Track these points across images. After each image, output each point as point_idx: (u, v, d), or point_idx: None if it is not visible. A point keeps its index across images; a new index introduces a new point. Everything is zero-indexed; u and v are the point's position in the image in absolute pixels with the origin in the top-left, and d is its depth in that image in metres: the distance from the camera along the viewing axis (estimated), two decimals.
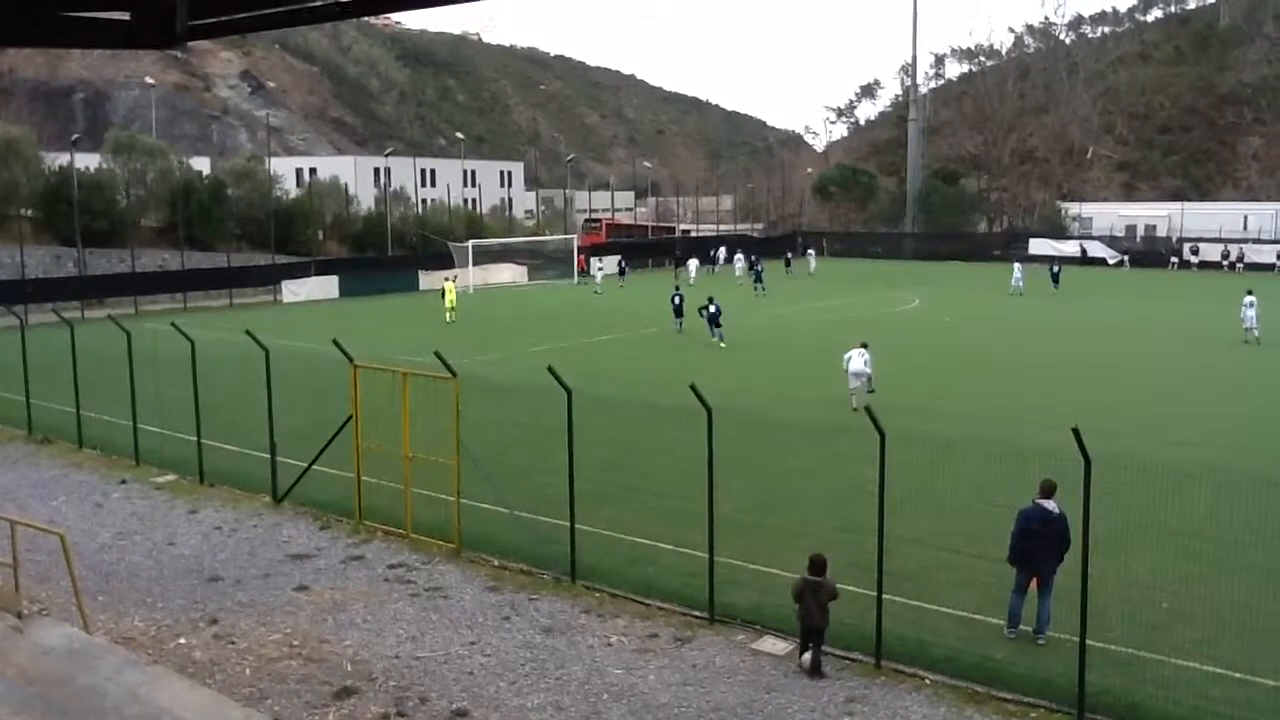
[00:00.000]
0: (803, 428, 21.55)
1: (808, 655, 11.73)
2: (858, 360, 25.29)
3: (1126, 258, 76.05)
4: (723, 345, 35.42)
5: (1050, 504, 12.12)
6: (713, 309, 36.57)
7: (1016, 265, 57.09)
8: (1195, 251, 73.42)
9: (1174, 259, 74.34)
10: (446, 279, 48.46)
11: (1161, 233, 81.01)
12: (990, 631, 12.50)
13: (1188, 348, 36.05)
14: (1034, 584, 12.27)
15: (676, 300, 40.12)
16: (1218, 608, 12.94)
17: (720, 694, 11.22)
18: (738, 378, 28.28)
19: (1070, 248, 78.05)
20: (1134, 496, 14.47)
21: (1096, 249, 78.11)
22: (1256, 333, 36.25)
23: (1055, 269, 57.55)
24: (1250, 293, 37.27)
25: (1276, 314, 39.30)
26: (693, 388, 13.04)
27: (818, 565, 11.73)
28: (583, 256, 66.40)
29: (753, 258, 62.39)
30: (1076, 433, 10.48)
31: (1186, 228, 78.58)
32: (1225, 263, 71.28)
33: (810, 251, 73.86)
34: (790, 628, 12.19)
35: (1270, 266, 69.38)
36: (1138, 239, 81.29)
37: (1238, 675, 11.27)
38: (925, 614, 12.91)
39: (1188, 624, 12.55)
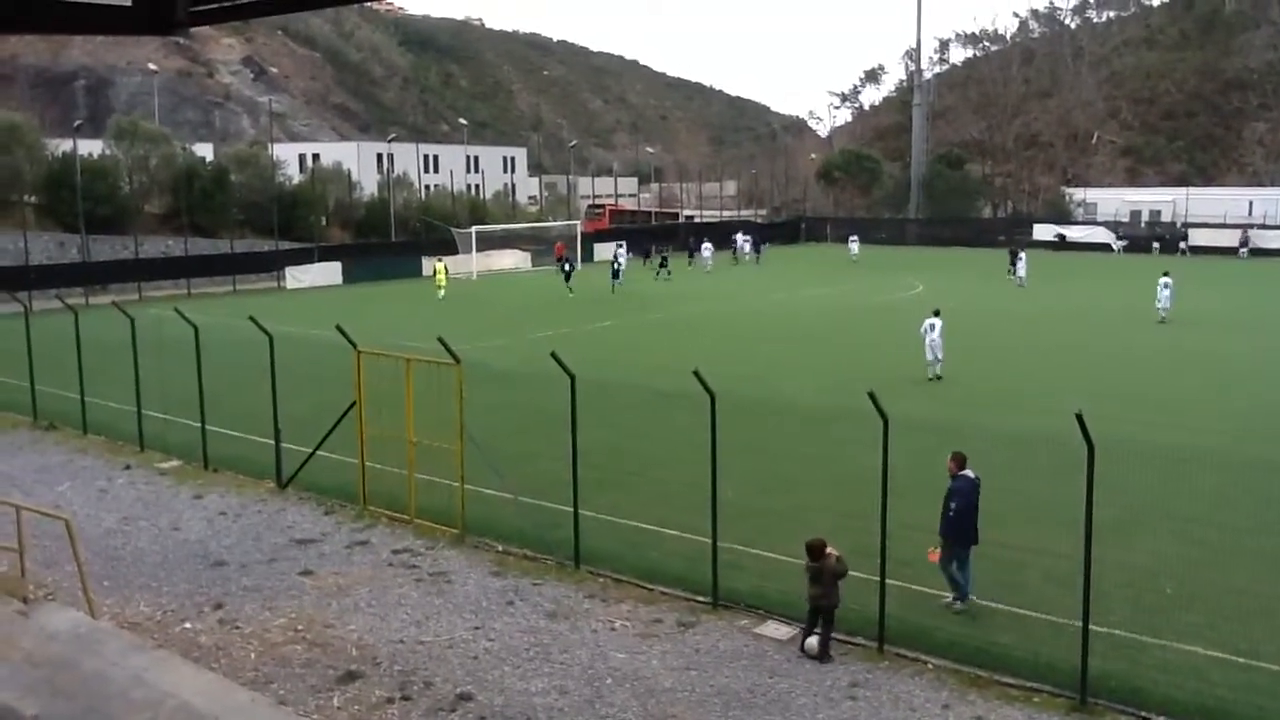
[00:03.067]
0: (806, 413, 21.56)
1: (813, 639, 11.78)
2: (933, 333, 27.04)
3: (1123, 243, 75.54)
4: (570, 295, 47.26)
5: (971, 473, 12.79)
6: (568, 267, 51.19)
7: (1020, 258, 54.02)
8: (1184, 238, 73.00)
9: (1156, 244, 73.60)
10: (438, 261, 51.57)
11: (1166, 218, 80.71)
12: (993, 616, 12.54)
13: (1180, 331, 35.96)
14: (936, 555, 12.73)
15: (567, 268, 51.03)
16: (1220, 593, 12.97)
17: (724, 678, 11.26)
18: (741, 363, 28.27)
19: (1046, 233, 77.68)
20: (1136, 482, 14.49)
21: (1097, 234, 77.66)
22: (1165, 315, 37.49)
23: (1014, 253, 55.92)
24: (1166, 274, 38.61)
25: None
26: (696, 374, 13.05)
27: (813, 550, 11.85)
28: (560, 244, 64.12)
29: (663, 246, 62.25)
30: (1080, 418, 10.49)
31: (1191, 213, 78.30)
32: (1243, 249, 69.95)
33: (854, 238, 72.00)
34: (794, 612, 12.22)
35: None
36: (1141, 224, 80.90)
37: (1240, 660, 11.29)
38: (928, 598, 12.94)
39: (1190, 609, 12.57)
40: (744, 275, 59.68)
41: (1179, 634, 11.86)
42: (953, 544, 12.70)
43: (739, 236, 71.61)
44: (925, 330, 27.22)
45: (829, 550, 11.85)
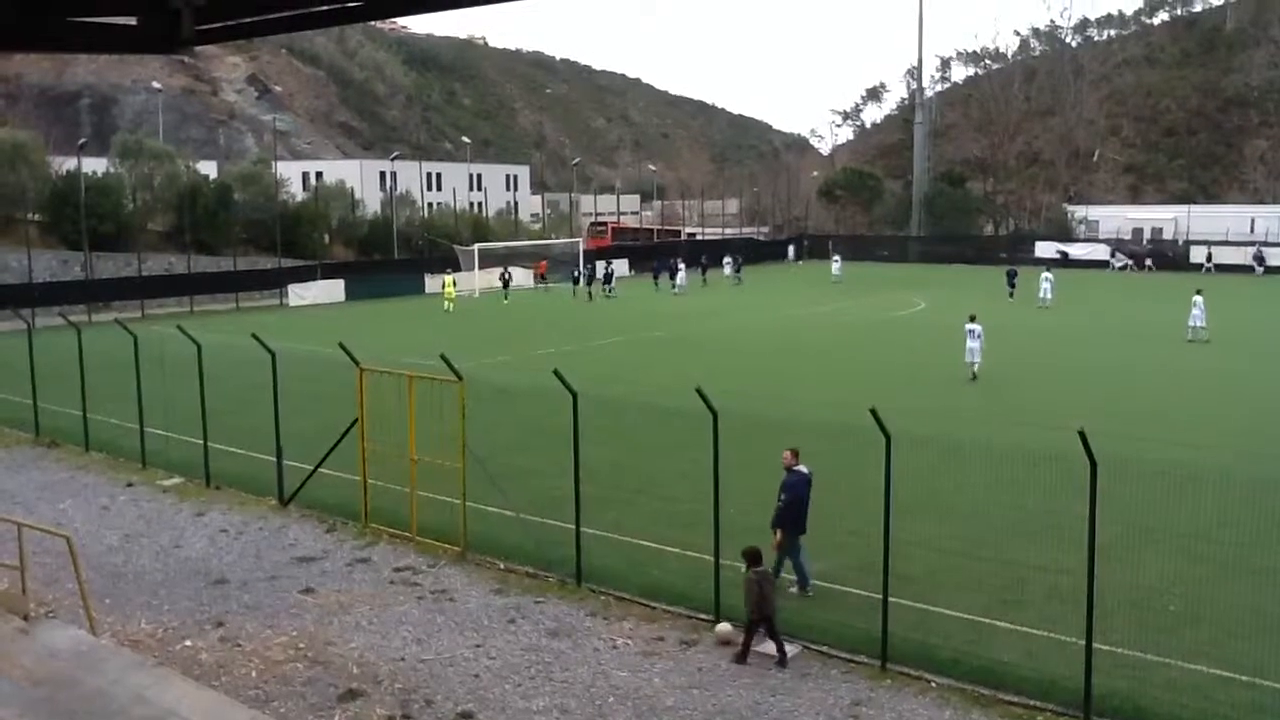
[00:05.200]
0: (808, 430, 21.48)
1: (789, 648, 11.90)
2: (972, 338, 29.74)
3: (1125, 262, 75.42)
4: (506, 302, 53.24)
5: (804, 468, 13.56)
6: (506, 277, 56.04)
7: (1044, 275, 51.85)
8: (1149, 255, 73.54)
9: (1129, 260, 73.28)
10: (446, 274, 53.60)
11: (1168, 235, 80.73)
12: (997, 634, 12.48)
13: (1177, 350, 35.93)
14: (778, 543, 13.42)
15: (506, 276, 56.40)
16: (1225, 611, 12.92)
17: (726, 696, 11.22)
18: (744, 381, 28.21)
19: (1048, 250, 77.80)
20: (1140, 500, 14.44)
21: (1100, 251, 77.68)
22: (1205, 333, 37.50)
23: (1012, 274, 55.02)
24: (1199, 293, 38.64)
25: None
26: (699, 391, 13.05)
27: (756, 555, 12.20)
28: (544, 263, 64.61)
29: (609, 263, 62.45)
30: (1083, 435, 10.47)
31: (1194, 230, 78.32)
32: (1260, 267, 69.13)
33: (836, 257, 69.51)
34: (795, 630, 12.18)
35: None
36: (1144, 241, 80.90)
37: (1244, 678, 11.23)
38: (931, 616, 12.89)
39: (1194, 627, 12.52)
40: (736, 295, 59.69)
41: (1184, 652, 11.81)
42: (785, 533, 13.46)
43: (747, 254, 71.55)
44: (968, 334, 29.91)
45: None
